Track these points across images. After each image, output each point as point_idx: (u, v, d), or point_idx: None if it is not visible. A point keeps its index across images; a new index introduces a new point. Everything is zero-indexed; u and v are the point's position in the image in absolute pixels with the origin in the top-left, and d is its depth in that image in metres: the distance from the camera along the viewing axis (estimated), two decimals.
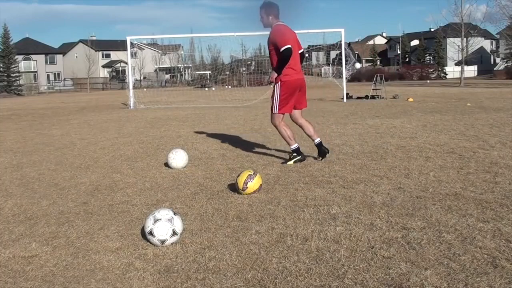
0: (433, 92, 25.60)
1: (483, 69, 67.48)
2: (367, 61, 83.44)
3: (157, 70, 77.91)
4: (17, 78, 62.27)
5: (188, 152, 6.37)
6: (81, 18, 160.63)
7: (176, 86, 48.11)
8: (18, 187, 5.32)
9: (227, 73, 48.79)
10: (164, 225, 3.26)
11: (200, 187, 4.97)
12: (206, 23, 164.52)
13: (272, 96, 5.92)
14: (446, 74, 64.85)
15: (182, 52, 77.64)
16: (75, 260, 3.10)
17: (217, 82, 45.10)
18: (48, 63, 74.32)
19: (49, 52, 75.28)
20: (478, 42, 52.62)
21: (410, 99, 18.65)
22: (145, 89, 33.93)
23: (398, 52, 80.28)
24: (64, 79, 75.09)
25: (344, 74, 22.36)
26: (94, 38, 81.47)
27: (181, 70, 73.58)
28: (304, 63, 7.07)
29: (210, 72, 52.99)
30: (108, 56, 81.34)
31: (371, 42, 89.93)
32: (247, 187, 4.51)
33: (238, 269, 2.86)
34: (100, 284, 2.74)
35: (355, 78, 53.58)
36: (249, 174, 4.58)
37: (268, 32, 6.00)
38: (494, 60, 73.69)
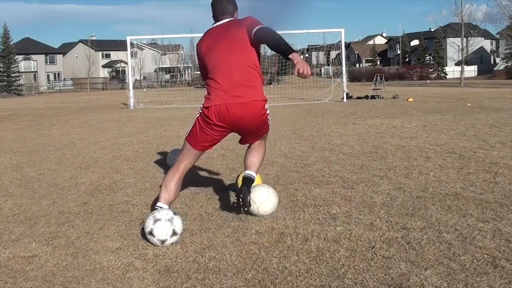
0: (433, 92, 25.59)
1: (483, 69, 67.44)
2: (367, 61, 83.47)
3: (157, 70, 77.90)
4: (17, 78, 62.20)
5: None
6: (81, 18, 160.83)
7: (176, 86, 48.13)
8: (18, 187, 5.32)
9: None
10: (164, 225, 3.26)
11: (200, 187, 4.97)
12: (206, 23, 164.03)
13: (263, 128, 3.83)
14: (446, 74, 64.81)
15: (182, 52, 77.60)
16: (75, 260, 3.10)
17: None
18: (48, 63, 74.23)
19: (49, 52, 75.20)
20: (478, 42, 52.59)
21: (410, 99, 18.65)
22: (145, 89, 33.89)
23: (398, 52, 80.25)
24: (64, 79, 75.01)
25: (345, 74, 22.35)
26: (94, 38, 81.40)
27: (181, 70, 73.50)
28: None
29: None
30: (108, 56, 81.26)
31: (371, 42, 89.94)
32: None
33: (238, 269, 2.86)
34: (100, 284, 2.74)
35: (355, 78, 53.67)
36: None
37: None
38: (494, 60, 73.65)
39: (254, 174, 3.87)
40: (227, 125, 3.64)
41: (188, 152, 3.80)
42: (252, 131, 3.78)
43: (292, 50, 3.34)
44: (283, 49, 3.38)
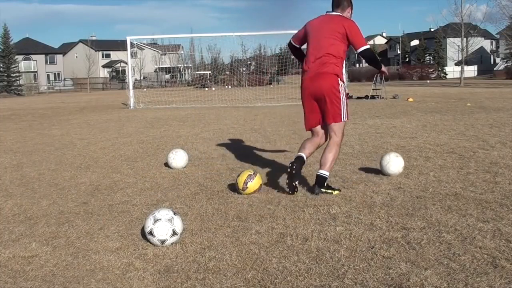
0: (433, 92, 25.60)
1: (483, 69, 67.46)
2: None
3: (157, 70, 77.92)
4: (17, 78, 62.17)
5: (188, 152, 6.38)
6: (81, 18, 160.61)
7: (176, 86, 48.18)
8: (18, 187, 5.32)
9: (227, 73, 48.75)
10: (164, 225, 3.26)
11: (200, 187, 4.97)
12: (206, 23, 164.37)
13: (333, 99, 4.55)
14: (446, 74, 64.81)
15: (182, 52, 77.60)
16: (75, 260, 3.10)
17: (217, 82, 45.07)
18: (48, 63, 74.22)
19: (49, 52, 75.19)
20: (478, 42, 52.60)
21: (410, 99, 18.65)
22: (145, 89, 33.94)
23: (398, 52, 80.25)
24: (64, 79, 75.01)
25: (344, 74, 22.37)
26: (94, 38, 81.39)
27: (181, 70, 73.50)
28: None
29: (210, 72, 52.96)
30: (108, 56, 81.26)
31: (371, 42, 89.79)
32: (247, 187, 4.51)
33: (238, 269, 2.86)
34: (100, 284, 2.74)
35: (354, 78, 53.70)
36: (249, 174, 4.58)
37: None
38: (494, 60, 73.67)
39: (325, 173, 4.51)
40: (310, 94, 4.59)
41: (310, 134, 4.73)
42: (325, 100, 4.52)
43: (381, 66, 4.72)
44: (376, 67, 4.75)
